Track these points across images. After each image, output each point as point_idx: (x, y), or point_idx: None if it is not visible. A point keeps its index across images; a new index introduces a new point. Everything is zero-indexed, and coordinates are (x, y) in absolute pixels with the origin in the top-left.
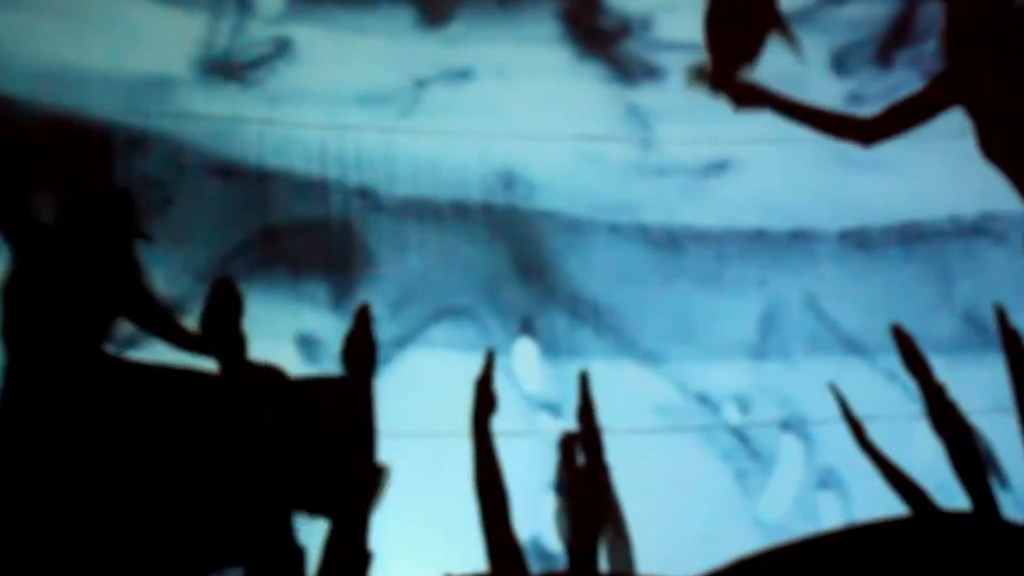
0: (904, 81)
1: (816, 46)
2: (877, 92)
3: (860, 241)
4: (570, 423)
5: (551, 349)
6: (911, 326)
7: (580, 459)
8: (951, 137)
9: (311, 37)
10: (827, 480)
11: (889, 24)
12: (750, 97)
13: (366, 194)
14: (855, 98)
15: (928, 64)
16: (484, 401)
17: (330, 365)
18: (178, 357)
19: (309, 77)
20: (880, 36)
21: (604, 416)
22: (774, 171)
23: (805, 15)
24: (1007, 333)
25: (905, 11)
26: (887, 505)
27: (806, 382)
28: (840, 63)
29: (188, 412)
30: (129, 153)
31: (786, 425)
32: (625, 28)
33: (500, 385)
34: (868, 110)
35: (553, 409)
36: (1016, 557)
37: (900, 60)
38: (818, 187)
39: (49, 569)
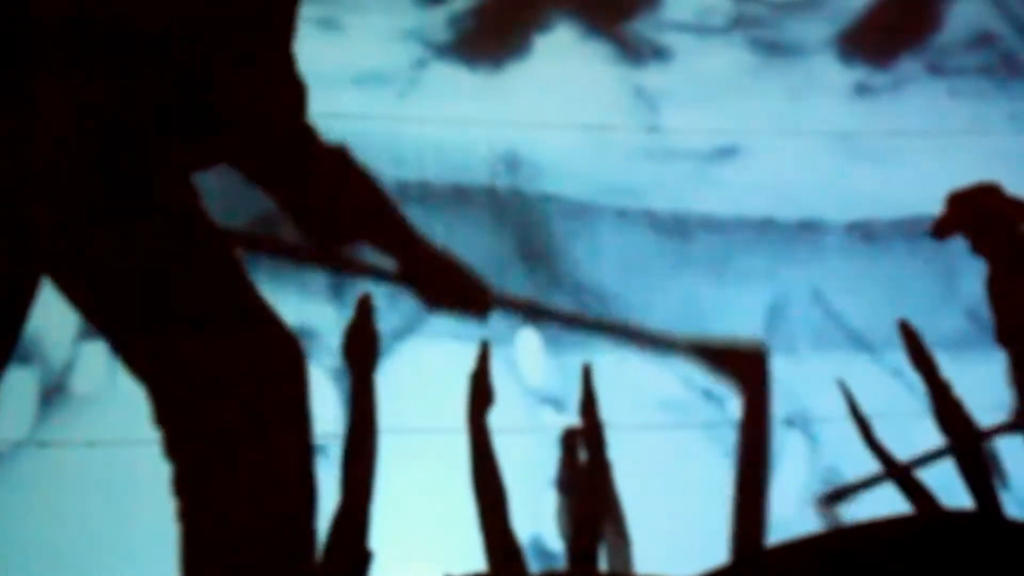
0: (908, 74)
1: (822, 34)
2: (882, 84)
3: (866, 234)
4: (574, 418)
5: (555, 339)
6: (916, 322)
7: (582, 456)
8: (955, 133)
9: (304, 16)
10: (830, 479)
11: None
12: None
13: None
14: (861, 88)
15: (931, 57)
16: (480, 396)
17: (328, 359)
18: None
19: (304, 58)
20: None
21: (608, 411)
22: (783, 156)
23: (812, 2)
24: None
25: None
26: (889, 504)
27: (811, 378)
28: (846, 52)
29: None
30: None
31: (791, 422)
32: (634, 5)
33: (502, 378)
34: (874, 101)
35: (556, 403)
36: (1019, 557)
37: (904, 52)
38: (825, 176)
39: None
